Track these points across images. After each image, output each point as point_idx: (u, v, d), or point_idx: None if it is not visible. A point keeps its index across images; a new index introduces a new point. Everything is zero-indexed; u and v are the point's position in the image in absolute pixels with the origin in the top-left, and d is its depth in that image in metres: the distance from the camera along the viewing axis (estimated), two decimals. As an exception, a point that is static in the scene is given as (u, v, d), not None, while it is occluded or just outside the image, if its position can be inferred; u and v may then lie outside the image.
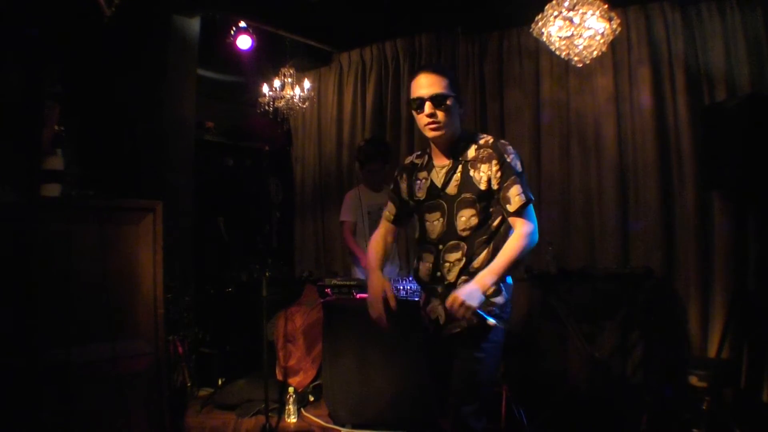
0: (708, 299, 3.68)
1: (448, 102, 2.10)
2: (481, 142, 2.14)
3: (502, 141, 2.15)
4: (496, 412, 3.40)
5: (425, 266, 2.21)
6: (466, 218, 2.11)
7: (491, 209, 2.12)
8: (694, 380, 3.03)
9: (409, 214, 2.35)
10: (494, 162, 2.08)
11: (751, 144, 3.17)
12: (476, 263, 2.10)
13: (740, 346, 3.47)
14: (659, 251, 3.83)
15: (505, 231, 2.14)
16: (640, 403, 3.32)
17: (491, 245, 2.11)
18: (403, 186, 2.31)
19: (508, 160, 2.08)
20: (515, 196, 2.06)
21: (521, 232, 2.05)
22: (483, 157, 2.11)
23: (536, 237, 2.06)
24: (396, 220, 2.38)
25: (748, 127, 3.18)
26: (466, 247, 2.11)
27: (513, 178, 2.07)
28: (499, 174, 2.08)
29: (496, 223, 2.13)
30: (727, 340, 3.37)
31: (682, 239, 3.80)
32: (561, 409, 3.57)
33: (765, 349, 3.41)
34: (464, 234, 2.12)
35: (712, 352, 3.53)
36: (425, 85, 2.11)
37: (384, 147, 4.17)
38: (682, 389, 3.15)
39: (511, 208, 2.07)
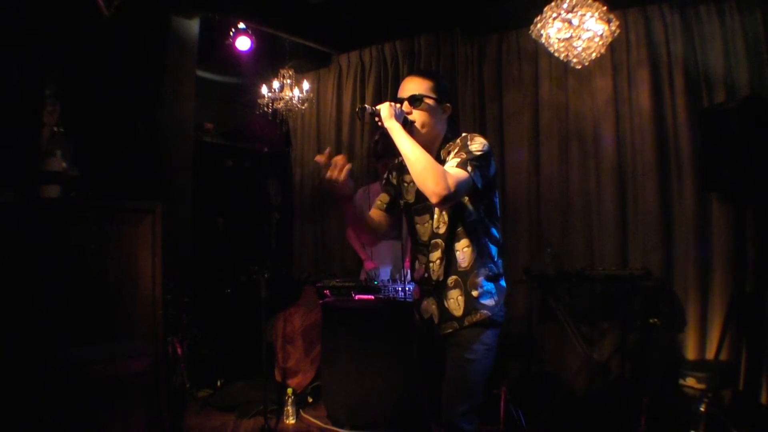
0: (706, 301, 3.67)
1: (426, 102, 2.10)
2: (458, 140, 2.11)
3: (473, 134, 2.11)
4: (494, 414, 3.40)
5: (420, 267, 2.22)
6: (438, 215, 2.13)
7: (468, 206, 2.10)
8: (692, 382, 3.03)
9: (399, 208, 2.32)
10: (457, 150, 2.06)
11: (750, 146, 3.18)
12: (463, 262, 2.09)
13: (739, 347, 3.47)
14: (658, 253, 3.83)
15: (486, 225, 2.12)
16: (638, 405, 3.32)
17: (471, 240, 2.09)
18: (394, 182, 2.32)
19: (468, 142, 2.05)
20: (453, 163, 1.99)
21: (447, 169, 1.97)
22: (452, 151, 2.09)
23: (448, 187, 1.87)
24: (388, 209, 2.33)
25: (747, 129, 3.19)
26: (443, 244, 2.11)
27: (462, 155, 2.01)
28: (455, 152, 2.05)
29: (473, 218, 2.10)
30: (725, 342, 3.38)
31: (680, 241, 3.80)
32: (559, 410, 3.57)
33: (763, 351, 3.41)
34: (440, 231, 2.12)
35: (710, 353, 3.53)
36: (407, 87, 2.15)
37: None
38: (680, 391, 3.15)
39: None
